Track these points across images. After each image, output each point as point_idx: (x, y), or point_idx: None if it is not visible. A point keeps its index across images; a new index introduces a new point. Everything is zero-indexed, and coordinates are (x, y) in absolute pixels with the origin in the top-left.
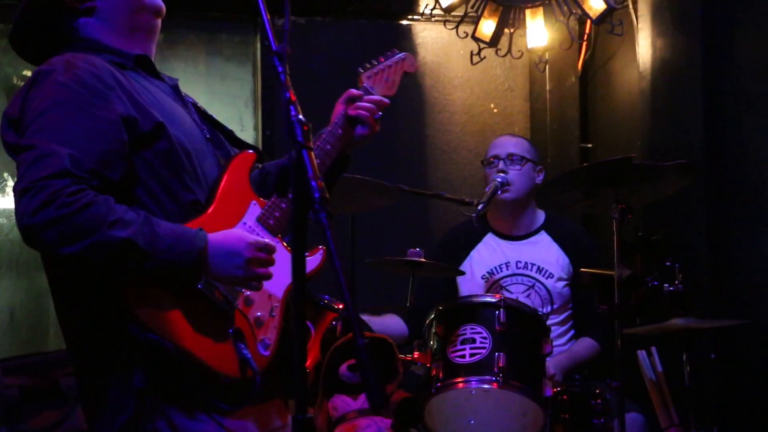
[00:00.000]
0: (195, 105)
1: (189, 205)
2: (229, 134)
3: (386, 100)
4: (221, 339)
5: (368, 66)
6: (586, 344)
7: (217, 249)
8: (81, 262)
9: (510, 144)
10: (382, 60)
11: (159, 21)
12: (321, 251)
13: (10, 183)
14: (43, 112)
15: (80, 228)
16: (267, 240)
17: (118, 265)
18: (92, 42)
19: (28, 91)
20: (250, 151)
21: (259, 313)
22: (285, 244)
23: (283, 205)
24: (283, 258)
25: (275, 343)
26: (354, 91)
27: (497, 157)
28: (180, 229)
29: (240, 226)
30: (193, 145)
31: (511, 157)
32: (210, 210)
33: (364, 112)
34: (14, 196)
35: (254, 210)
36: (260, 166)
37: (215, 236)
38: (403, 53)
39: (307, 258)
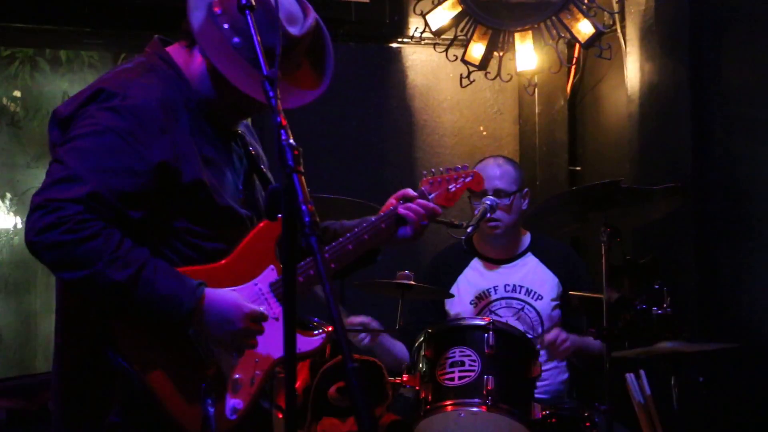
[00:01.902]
0: (248, 155)
1: (204, 255)
2: None
3: (439, 210)
4: (191, 389)
5: (433, 172)
6: (594, 341)
7: (213, 310)
8: (77, 289)
9: (495, 177)
10: (450, 171)
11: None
12: (322, 336)
13: None
14: (89, 133)
15: (78, 259)
16: (262, 310)
17: (109, 302)
18: (176, 68)
19: (86, 103)
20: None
21: (238, 376)
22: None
23: (300, 279)
24: (281, 331)
25: (245, 409)
26: (410, 190)
27: (484, 193)
28: (179, 281)
29: (250, 286)
30: (225, 205)
31: (498, 194)
32: (224, 262)
33: (411, 214)
34: (30, 204)
35: (270, 275)
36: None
37: (213, 296)
38: (472, 171)
39: (306, 338)
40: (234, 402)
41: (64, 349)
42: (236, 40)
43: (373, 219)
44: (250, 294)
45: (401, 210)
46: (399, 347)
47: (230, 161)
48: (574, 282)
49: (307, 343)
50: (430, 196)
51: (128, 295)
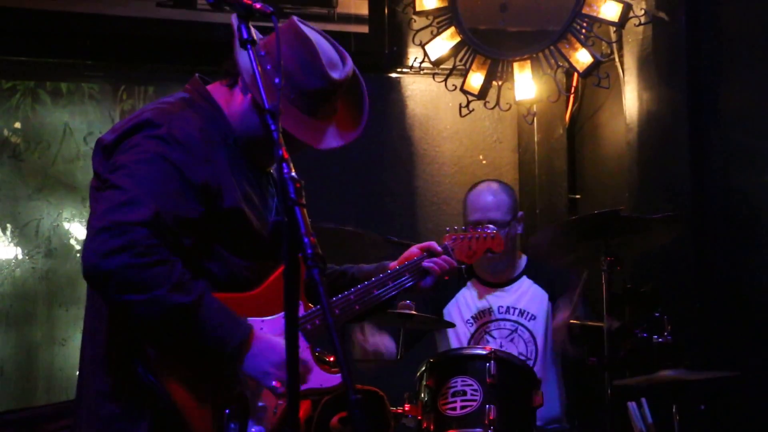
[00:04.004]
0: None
1: (235, 282)
2: None
3: (457, 267)
4: (217, 411)
5: (456, 229)
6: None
7: (262, 347)
8: (133, 313)
9: (488, 208)
10: (471, 230)
11: None
12: None
13: None
14: (141, 160)
15: (146, 282)
16: (308, 357)
17: (168, 326)
18: (216, 105)
19: (130, 133)
20: None
21: (261, 404)
22: (315, 354)
23: (317, 321)
24: (305, 365)
25: None
26: (435, 245)
27: (479, 224)
28: (231, 312)
29: (278, 319)
30: (260, 236)
31: (493, 224)
32: (254, 292)
33: (437, 269)
34: (89, 230)
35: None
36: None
37: (264, 337)
38: (493, 231)
39: (331, 374)
40: (257, 429)
41: (94, 371)
42: (276, 81)
43: (398, 267)
44: (277, 327)
45: (427, 264)
46: (386, 341)
47: (264, 198)
48: (561, 287)
49: (329, 379)
50: (452, 252)
51: (190, 318)
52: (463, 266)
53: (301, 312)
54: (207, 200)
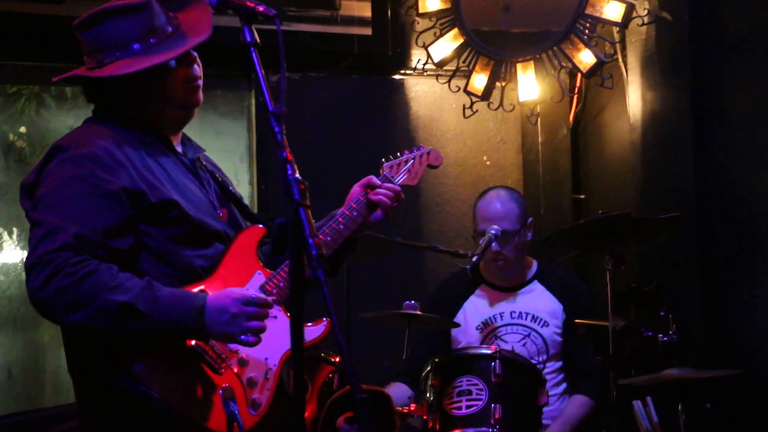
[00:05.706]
0: (214, 178)
1: (192, 273)
2: (243, 209)
3: (401, 192)
4: (211, 395)
5: (391, 157)
6: (578, 403)
7: (210, 308)
8: (87, 330)
9: (497, 217)
10: (406, 153)
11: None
12: (324, 323)
13: (6, 238)
14: (54, 188)
15: (83, 297)
16: (255, 294)
17: (120, 328)
18: (121, 114)
19: (45, 165)
20: (260, 226)
21: (252, 374)
22: (286, 311)
23: (281, 284)
24: (282, 324)
25: (267, 404)
26: (374, 178)
27: (483, 231)
28: (180, 292)
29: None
30: (203, 221)
31: (504, 234)
32: (213, 276)
33: (384, 199)
34: (25, 271)
35: (258, 279)
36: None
37: (211, 296)
38: (428, 148)
39: (310, 327)
40: (254, 398)
41: (81, 386)
42: (136, 46)
43: (344, 210)
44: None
45: (372, 197)
46: (400, 392)
47: (200, 184)
48: (578, 312)
49: (310, 332)
50: (393, 179)
51: (136, 314)
52: (468, 257)
53: (263, 279)
54: (132, 202)
